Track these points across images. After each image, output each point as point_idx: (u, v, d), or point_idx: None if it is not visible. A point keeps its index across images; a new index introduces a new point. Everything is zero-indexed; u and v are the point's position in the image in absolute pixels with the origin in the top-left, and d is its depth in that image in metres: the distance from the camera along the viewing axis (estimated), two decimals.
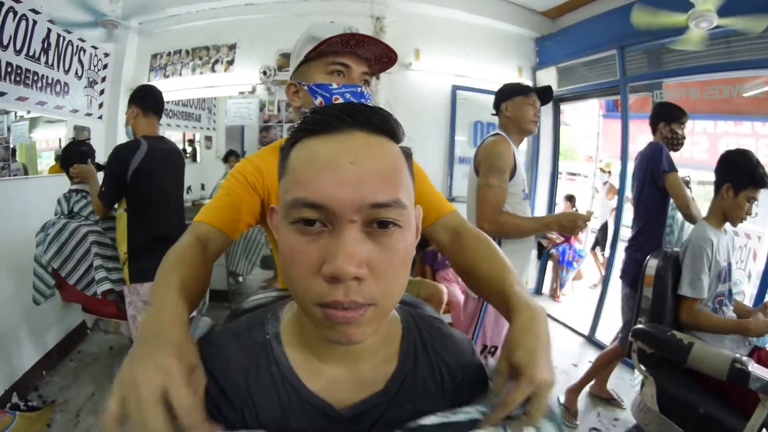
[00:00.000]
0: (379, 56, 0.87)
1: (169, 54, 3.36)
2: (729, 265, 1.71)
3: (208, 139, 3.91)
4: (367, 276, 0.38)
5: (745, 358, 1.35)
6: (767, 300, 1.87)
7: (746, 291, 2.63)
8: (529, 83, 3.80)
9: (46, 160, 2.54)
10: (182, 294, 0.56)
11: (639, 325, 1.68)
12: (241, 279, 3.70)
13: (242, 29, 3.26)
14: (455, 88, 3.64)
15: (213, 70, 3.31)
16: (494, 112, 1.81)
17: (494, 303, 0.67)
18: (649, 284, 1.74)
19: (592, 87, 3.37)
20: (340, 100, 0.85)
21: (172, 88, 3.38)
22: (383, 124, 0.42)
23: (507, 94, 1.75)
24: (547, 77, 3.80)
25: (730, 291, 1.72)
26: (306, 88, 0.89)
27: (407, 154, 0.45)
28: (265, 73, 3.24)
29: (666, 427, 1.56)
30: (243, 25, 3.26)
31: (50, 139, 2.53)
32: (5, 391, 2.05)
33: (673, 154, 2.03)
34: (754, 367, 1.31)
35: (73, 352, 2.71)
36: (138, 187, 1.80)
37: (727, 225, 1.73)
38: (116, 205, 1.90)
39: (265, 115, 3.38)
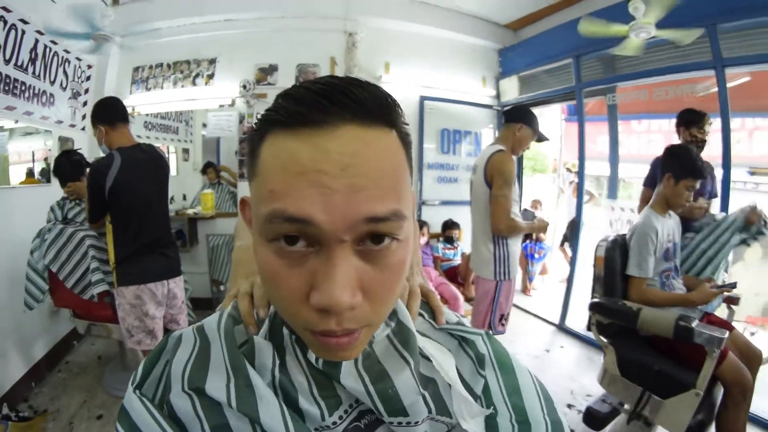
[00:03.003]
0: None
1: (150, 67, 3.46)
2: (674, 244, 1.95)
3: (186, 151, 4.00)
4: (361, 301, 0.34)
5: (690, 316, 1.58)
6: (709, 276, 2.11)
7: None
8: (493, 92, 4.16)
9: (18, 174, 2.50)
10: None
11: (595, 299, 1.91)
12: (222, 287, 3.78)
13: (222, 44, 3.41)
14: (423, 99, 3.89)
15: (194, 83, 3.43)
16: (505, 119, 2.21)
17: None
18: (599, 264, 1.96)
19: (551, 93, 3.68)
20: None
21: (154, 101, 3.48)
22: (380, 110, 0.34)
23: (527, 119, 2.15)
24: (510, 85, 4.10)
25: (676, 266, 1.97)
26: None
27: (407, 142, 0.37)
28: (244, 86, 3.40)
29: (628, 388, 1.78)
30: (223, 40, 3.41)
31: (23, 152, 2.50)
32: None
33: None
34: (697, 324, 1.53)
35: (61, 363, 2.72)
36: (118, 200, 1.85)
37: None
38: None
39: (244, 127, 3.52)
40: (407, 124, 0.37)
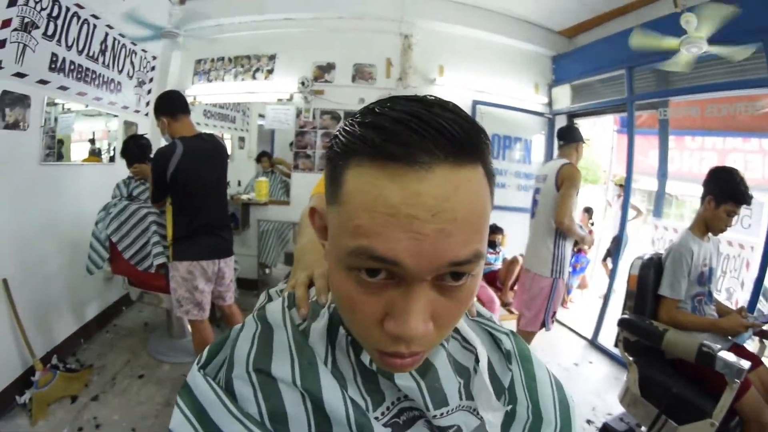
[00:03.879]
0: None
1: (212, 60, 3.74)
2: (711, 269, 1.89)
3: (242, 139, 4.28)
4: (432, 329, 0.35)
5: (713, 344, 1.54)
6: (744, 305, 2.03)
7: (740, 298, 2.81)
8: (545, 99, 4.12)
9: (79, 151, 2.76)
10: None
11: (624, 316, 1.90)
12: (268, 271, 4.00)
13: (281, 41, 3.62)
14: (475, 103, 3.91)
15: (254, 77, 3.67)
16: (562, 142, 2.58)
17: None
18: (633, 282, 1.95)
19: (603, 104, 3.59)
20: None
21: (214, 92, 3.76)
22: (472, 148, 0.33)
23: (581, 137, 2.57)
24: (562, 93, 4.03)
25: (710, 292, 1.91)
26: None
27: (492, 176, 0.37)
28: (303, 83, 3.59)
29: (646, 410, 1.78)
30: (282, 37, 3.62)
31: (84, 131, 2.77)
32: (46, 353, 2.30)
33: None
34: (721, 352, 1.50)
35: (109, 325, 3.03)
36: (178, 185, 2.05)
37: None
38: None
39: (300, 121, 3.73)
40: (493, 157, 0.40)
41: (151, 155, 2.37)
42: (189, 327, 2.53)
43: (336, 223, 0.36)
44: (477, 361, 0.47)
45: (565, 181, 2.36)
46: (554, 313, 2.50)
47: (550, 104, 4.17)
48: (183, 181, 2.04)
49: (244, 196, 3.86)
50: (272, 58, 3.66)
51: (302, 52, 3.63)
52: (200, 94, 3.78)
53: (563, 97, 4.03)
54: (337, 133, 0.37)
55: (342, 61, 3.64)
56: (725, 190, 1.78)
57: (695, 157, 4.27)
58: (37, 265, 2.28)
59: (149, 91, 3.23)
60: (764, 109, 3.26)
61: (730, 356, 1.50)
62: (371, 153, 0.32)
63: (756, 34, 2.16)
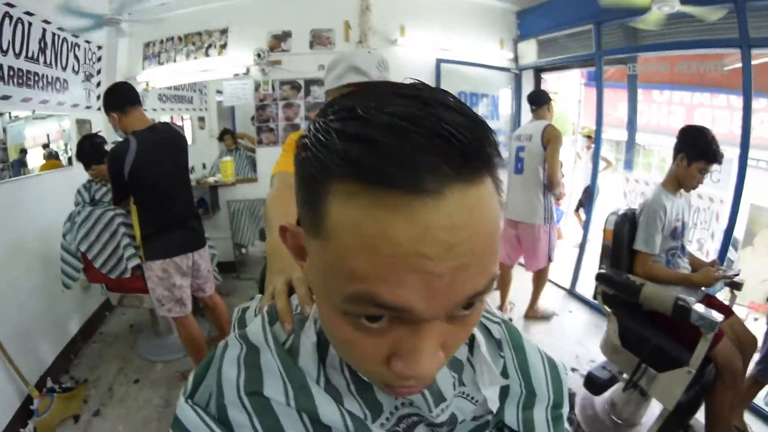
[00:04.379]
0: None
1: (161, 41, 3.49)
2: (683, 224, 1.99)
3: (201, 119, 4.11)
4: (443, 359, 0.31)
5: (688, 298, 1.67)
6: (716, 259, 2.16)
7: (710, 248, 3.01)
8: (510, 54, 4.12)
9: (35, 158, 2.51)
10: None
11: (601, 270, 2.00)
12: (244, 251, 3.97)
13: (232, 13, 3.41)
14: (439, 62, 3.86)
15: (207, 54, 3.46)
16: (534, 107, 2.91)
17: None
18: (608, 237, 2.04)
19: (571, 59, 3.61)
20: None
21: (168, 74, 3.54)
22: (484, 158, 0.28)
23: (547, 99, 2.91)
24: (528, 49, 4.03)
25: (683, 246, 2.02)
26: None
27: (499, 183, 0.30)
28: (259, 55, 3.43)
29: (627, 358, 1.91)
30: (233, 9, 3.40)
31: (38, 136, 2.52)
32: (40, 378, 2.24)
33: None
34: (696, 305, 1.62)
35: (95, 335, 2.96)
36: (137, 183, 1.98)
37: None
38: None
39: (260, 95, 3.60)
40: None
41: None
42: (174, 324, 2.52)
43: (321, 259, 0.29)
44: (470, 351, 0.47)
45: (551, 141, 2.76)
46: (554, 247, 2.98)
47: (516, 59, 4.16)
48: (142, 178, 1.98)
49: (211, 179, 3.78)
50: (224, 32, 3.47)
51: (255, 22, 3.45)
52: (153, 78, 3.57)
53: (529, 53, 4.04)
54: (308, 143, 0.29)
55: (298, 28, 3.51)
56: (697, 149, 1.84)
57: (663, 110, 4.39)
58: (9, 291, 2.15)
59: (98, 84, 3.01)
60: (731, 66, 3.35)
61: (704, 310, 1.61)
62: (361, 177, 0.25)
63: None
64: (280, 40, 3.51)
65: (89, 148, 2.37)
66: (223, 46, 3.47)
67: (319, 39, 3.54)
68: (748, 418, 2.07)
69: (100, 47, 3.01)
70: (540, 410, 0.48)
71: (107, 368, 2.58)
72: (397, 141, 0.25)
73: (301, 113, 3.70)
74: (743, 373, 1.72)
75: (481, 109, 4.19)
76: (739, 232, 2.77)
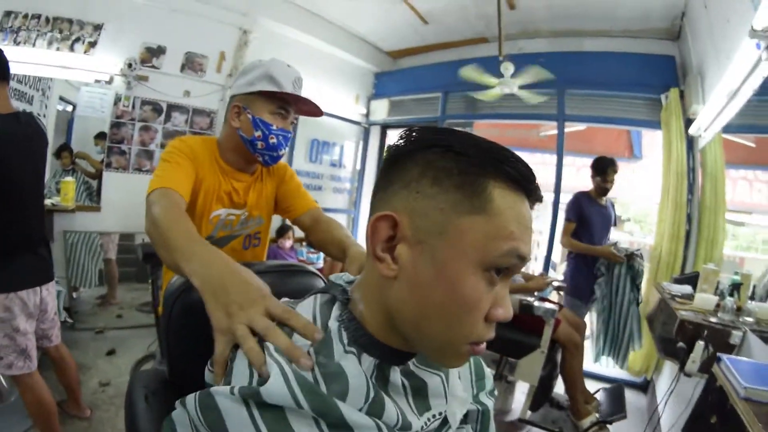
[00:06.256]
0: (310, 111, 1.20)
1: (25, 16, 2.83)
2: None
3: None
4: None
5: (529, 298, 2.25)
6: (542, 271, 2.92)
7: (534, 268, 3.91)
8: (363, 110, 4.68)
9: None
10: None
11: None
12: (75, 295, 3.25)
13: (111, 9, 3.06)
14: None
15: (72, 48, 3.01)
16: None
17: (338, 254, 1.08)
18: None
19: (417, 120, 4.28)
20: (274, 139, 1.11)
21: (21, 59, 2.81)
22: (539, 198, 0.48)
23: None
24: (380, 106, 4.66)
25: None
26: (251, 118, 1.10)
27: None
28: (130, 65, 3.14)
29: (489, 355, 2.38)
30: (114, 5, 3.08)
31: None
32: None
33: None
34: (536, 302, 2.19)
35: None
36: None
37: None
38: None
39: (118, 110, 3.20)
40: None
41: None
42: (5, 383, 2.00)
43: (482, 228, 0.43)
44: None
45: None
46: None
47: (367, 115, 4.73)
48: None
49: (48, 201, 3.14)
50: (98, 28, 3.02)
51: (133, 27, 3.16)
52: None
53: (380, 110, 4.66)
54: (463, 149, 0.45)
55: (174, 46, 3.34)
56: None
57: None
58: None
59: None
60: (547, 133, 4.61)
61: (543, 303, 2.20)
62: (516, 182, 0.44)
63: (552, 85, 3.13)
64: (152, 54, 3.26)
65: None
66: (93, 44, 3.02)
67: (191, 63, 3.43)
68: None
69: None
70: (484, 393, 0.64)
71: None
72: (522, 167, 0.45)
73: (157, 139, 3.39)
74: (582, 344, 2.33)
75: (329, 158, 4.57)
76: (555, 255, 3.73)
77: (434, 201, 0.44)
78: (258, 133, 1.10)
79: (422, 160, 0.45)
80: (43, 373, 1.79)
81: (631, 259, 2.63)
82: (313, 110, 1.20)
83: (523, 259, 0.44)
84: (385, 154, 0.51)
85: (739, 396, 1.03)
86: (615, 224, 2.97)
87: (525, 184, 0.45)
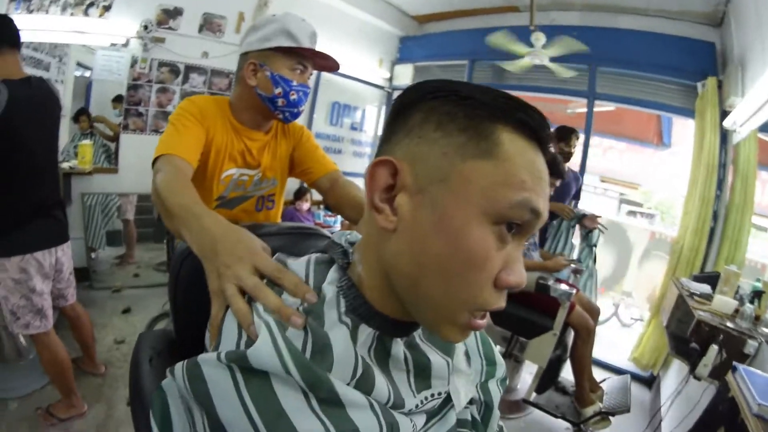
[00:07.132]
0: (327, 65, 1.17)
1: None
2: None
3: None
4: None
5: (546, 275, 2.22)
6: (563, 252, 2.87)
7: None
8: (387, 74, 4.60)
9: None
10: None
11: None
12: (94, 255, 3.32)
13: None
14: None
15: (86, 13, 3.00)
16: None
17: (354, 215, 1.09)
18: None
19: None
20: (295, 95, 1.09)
21: (38, 26, 2.84)
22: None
23: None
24: (404, 72, 4.58)
25: (535, 242, 2.63)
26: (269, 75, 1.07)
27: None
28: (146, 27, 3.12)
29: (500, 332, 2.37)
30: None
31: None
32: None
33: None
34: (552, 282, 2.15)
35: None
36: (0, 148, 1.52)
37: None
38: None
39: (135, 72, 3.20)
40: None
41: None
42: (23, 341, 2.06)
43: (490, 174, 0.39)
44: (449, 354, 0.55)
45: None
46: None
47: (390, 79, 4.67)
48: (6, 143, 1.51)
49: (65, 165, 3.19)
50: None
51: None
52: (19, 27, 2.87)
53: (404, 75, 4.58)
54: (464, 93, 0.41)
55: (191, 7, 3.29)
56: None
57: None
58: None
59: None
60: (574, 110, 4.46)
61: (560, 285, 2.16)
62: (522, 125, 0.40)
63: (584, 59, 3.03)
64: (169, 16, 3.24)
65: None
66: (107, 8, 3.02)
67: (209, 24, 3.39)
68: None
69: None
70: (493, 381, 0.61)
71: None
72: (535, 114, 0.41)
73: (175, 100, 3.39)
74: (594, 329, 2.29)
75: (352, 122, 4.55)
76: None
77: (437, 145, 0.40)
78: (278, 90, 1.08)
79: (426, 106, 0.42)
80: (60, 332, 1.87)
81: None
82: (331, 64, 1.17)
83: (538, 214, 0.40)
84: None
85: (751, 411, 1.00)
86: (577, 197, 3.03)
87: (538, 131, 0.41)
